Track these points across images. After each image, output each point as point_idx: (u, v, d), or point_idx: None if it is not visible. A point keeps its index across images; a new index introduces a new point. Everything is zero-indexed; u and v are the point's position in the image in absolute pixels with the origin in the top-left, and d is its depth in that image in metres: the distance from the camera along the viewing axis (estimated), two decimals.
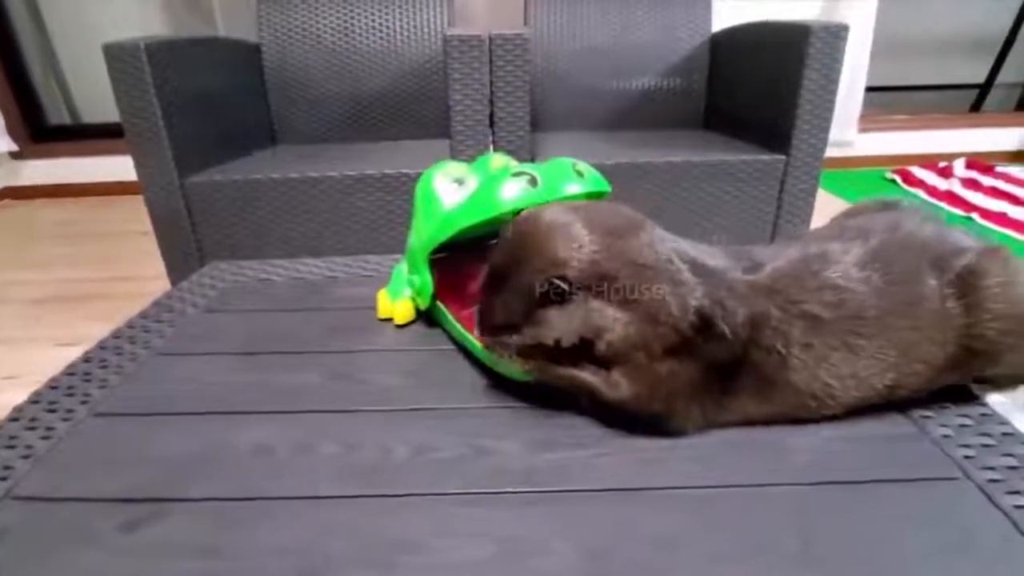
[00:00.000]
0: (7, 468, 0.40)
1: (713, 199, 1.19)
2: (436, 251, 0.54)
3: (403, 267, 0.60)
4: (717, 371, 0.41)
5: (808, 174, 1.18)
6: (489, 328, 0.44)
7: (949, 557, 0.32)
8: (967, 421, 0.43)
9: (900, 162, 2.40)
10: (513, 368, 0.45)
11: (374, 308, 0.60)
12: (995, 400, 0.45)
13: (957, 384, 0.45)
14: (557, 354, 0.43)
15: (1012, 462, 0.39)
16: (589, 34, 1.59)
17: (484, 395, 0.48)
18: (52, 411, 0.47)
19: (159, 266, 1.18)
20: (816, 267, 0.42)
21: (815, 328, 0.40)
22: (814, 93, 1.12)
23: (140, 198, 1.13)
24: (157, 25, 2.30)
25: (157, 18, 2.31)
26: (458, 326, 0.52)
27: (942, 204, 1.98)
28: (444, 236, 0.51)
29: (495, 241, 0.44)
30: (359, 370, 0.51)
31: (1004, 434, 0.41)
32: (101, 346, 0.56)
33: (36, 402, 0.48)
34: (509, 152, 1.16)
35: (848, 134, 2.32)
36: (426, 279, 0.55)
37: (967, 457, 0.39)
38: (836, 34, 1.08)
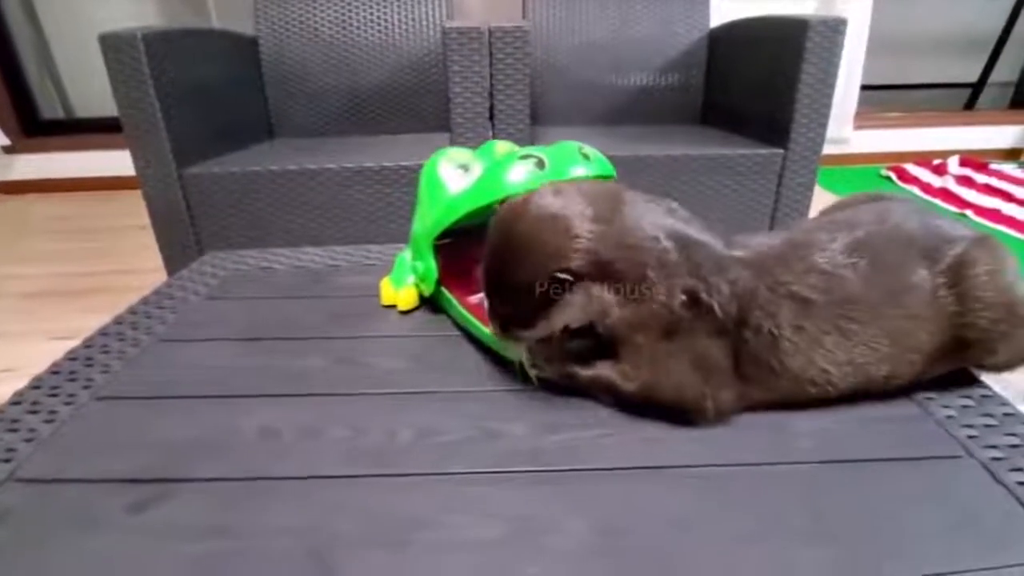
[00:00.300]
0: (10, 451, 0.40)
1: (712, 193, 1.19)
2: (440, 237, 0.54)
3: (406, 255, 0.60)
4: (717, 353, 0.41)
5: (806, 168, 1.18)
6: (501, 329, 0.44)
7: (955, 532, 0.33)
8: (969, 402, 0.43)
9: (895, 159, 2.41)
10: (518, 352, 0.45)
11: (377, 295, 0.60)
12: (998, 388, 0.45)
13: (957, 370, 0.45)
14: (571, 355, 0.44)
15: (1014, 441, 0.39)
16: (587, 29, 1.59)
17: (489, 379, 0.48)
18: (54, 395, 0.46)
19: (155, 260, 1.18)
20: (802, 252, 0.42)
21: (804, 310, 0.41)
22: (812, 87, 1.12)
23: (134, 193, 1.12)
24: (150, 17, 2.28)
25: (151, 10, 2.29)
26: (463, 311, 0.52)
27: (936, 201, 1.99)
28: (450, 219, 0.51)
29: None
30: (363, 355, 0.51)
31: (1005, 414, 0.42)
32: (102, 332, 0.56)
33: (37, 387, 0.48)
34: None
35: (844, 131, 2.34)
36: (430, 265, 0.55)
37: (970, 437, 0.40)
38: (834, 28, 1.09)
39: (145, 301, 0.62)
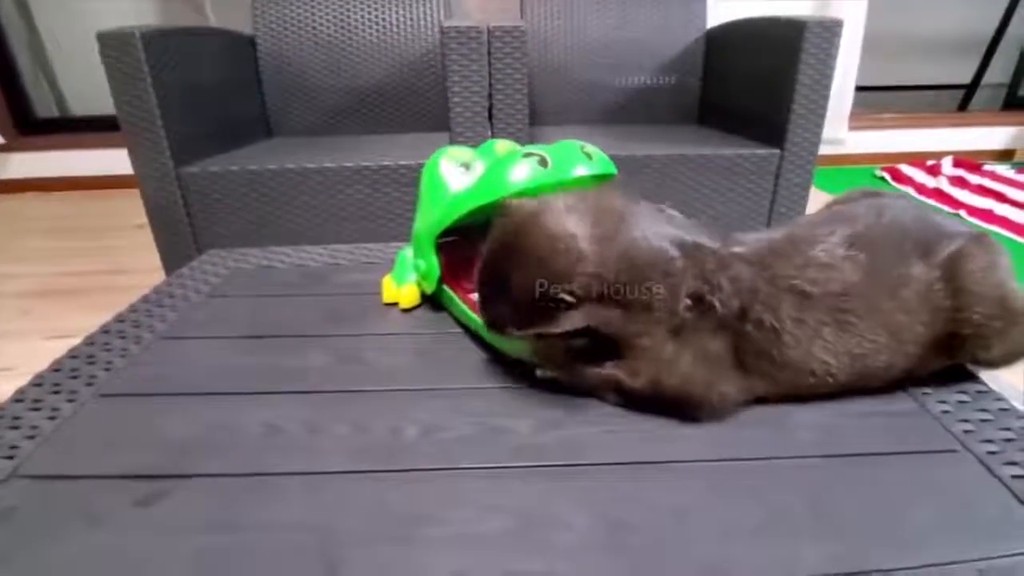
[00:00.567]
0: (12, 448, 0.40)
1: (709, 192, 1.20)
2: (442, 235, 0.54)
3: (407, 252, 0.60)
4: (720, 349, 0.41)
5: (802, 168, 1.19)
6: (490, 325, 0.44)
7: (952, 524, 0.33)
8: (965, 397, 0.44)
9: (890, 160, 2.43)
10: (520, 348, 0.46)
11: (379, 293, 0.60)
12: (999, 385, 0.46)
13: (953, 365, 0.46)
14: (574, 353, 0.44)
15: (1009, 435, 0.40)
16: (585, 29, 1.60)
17: (492, 376, 0.48)
18: (56, 392, 0.46)
19: (152, 260, 1.17)
20: (802, 246, 0.43)
21: (804, 303, 0.41)
22: (808, 88, 1.13)
23: (131, 192, 1.11)
24: (146, 16, 2.27)
25: (146, 8, 2.28)
26: (465, 308, 0.52)
27: (930, 201, 2.01)
28: (452, 217, 0.51)
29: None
30: (366, 352, 0.51)
31: (1001, 409, 0.42)
32: (104, 330, 0.56)
33: (39, 384, 0.48)
34: None
35: (839, 132, 2.35)
36: (432, 263, 0.55)
37: (966, 431, 0.40)
38: (830, 29, 1.10)
39: (147, 299, 0.62)
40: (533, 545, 0.32)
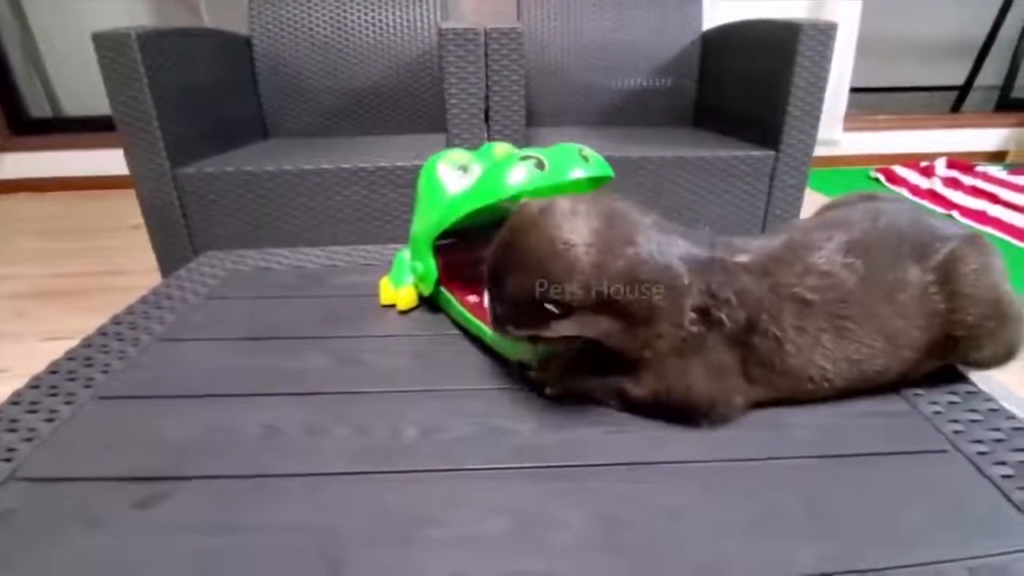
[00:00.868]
0: (10, 450, 0.40)
1: (704, 194, 1.21)
2: (440, 237, 0.54)
3: (405, 254, 0.60)
4: (727, 360, 0.42)
5: (797, 170, 1.20)
6: (494, 322, 0.45)
7: (944, 524, 0.34)
8: (955, 398, 0.45)
9: (884, 161, 2.45)
10: (523, 351, 0.46)
11: (376, 295, 0.61)
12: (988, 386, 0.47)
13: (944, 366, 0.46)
14: (576, 365, 0.45)
15: (999, 435, 0.40)
16: (582, 31, 1.60)
17: (490, 377, 0.48)
18: (53, 395, 0.46)
19: (148, 261, 1.17)
20: (801, 252, 0.43)
21: (804, 312, 0.41)
22: (803, 90, 1.14)
23: (125, 192, 1.11)
24: (141, 16, 2.26)
25: (141, 9, 2.28)
26: (463, 310, 0.53)
27: (924, 202, 2.02)
28: (450, 220, 0.51)
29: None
30: (364, 354, 0.52)
31: (990, 410, 0.43)
32: (101, 332, 0.56)
33: (36, 387, 0.48)
34: None
35: (834, 133, 2.37)
36: (430, 265, 0.55)
37: (956, 432, 0.41)
38: (825, 32, 1.11)
39: (144, 301, 0.62)
40: (532, 545, 0.33)
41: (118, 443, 0.41)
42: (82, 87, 2.30)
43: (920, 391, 0.45)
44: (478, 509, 0.35)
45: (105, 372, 0.49)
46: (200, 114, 1.21)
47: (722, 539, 0.33)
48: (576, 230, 0.40)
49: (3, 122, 2.31)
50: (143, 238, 1.15)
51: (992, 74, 2.72)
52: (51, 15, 2.32)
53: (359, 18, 1.52)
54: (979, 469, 0.37)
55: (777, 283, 0.42)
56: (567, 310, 0.39)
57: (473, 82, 1.12)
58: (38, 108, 2.45)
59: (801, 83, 1.13)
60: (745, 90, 1.36)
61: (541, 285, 0.39)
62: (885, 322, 0.42)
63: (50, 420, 0.43)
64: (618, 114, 1.62)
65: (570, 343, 0.44)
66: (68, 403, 0.45)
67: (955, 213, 1.88)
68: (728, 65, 1.48)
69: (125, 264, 1.61)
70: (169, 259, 1.15)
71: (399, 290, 0.59)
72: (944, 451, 0.39)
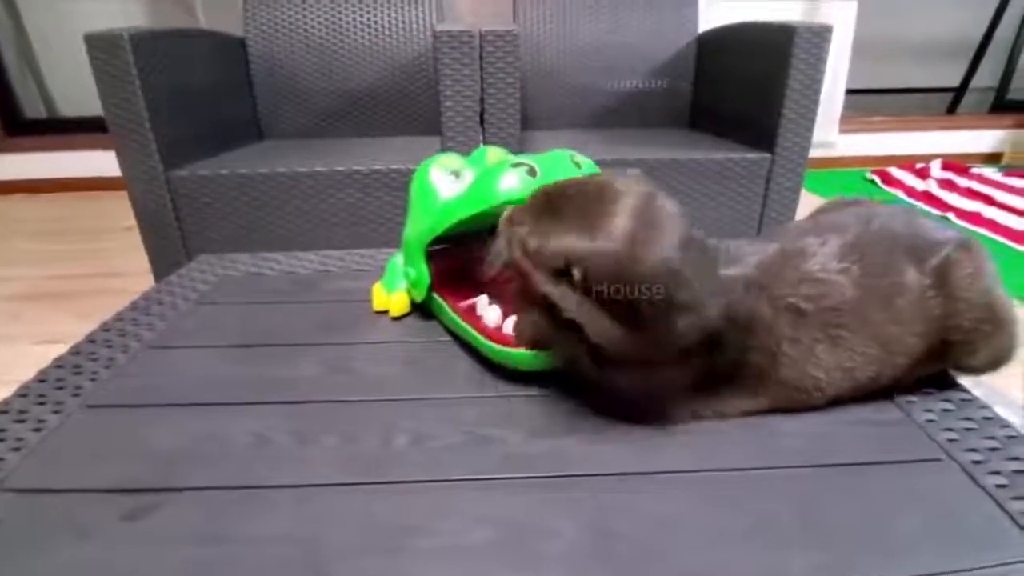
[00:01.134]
0: None
1: (700, 196, 1.21)
2: (432, 243, 0.54)
3: (398, 260, 0.60)
4: (715, 375, 0.42)
5: (793, 172, 1.20)
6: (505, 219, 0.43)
7: (937, 534, 0.33)
8: (949, 406, 0.44)
9: (880, 163, 2.45)
10: (519, 360, 0.46)
11: (369, 301, 0.60)
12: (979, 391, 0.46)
13: (937, 372, 0.46)
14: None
15: (993, 444, 0.40)
16: (578, 33, 1.60)
17: (482, 385, 0.48)
18: (41, 403, 0.46)
19: (143, 263, 1.17)
20: (795, 260, 0.42)
21: (799, 321, 0.41)
22: (799, 92, 1.14)
23: (120, 194, 1.11)
24: (136, 17, 2.25)
25: (136, 9, 2.27)
26: (455, 317, 0.52)
27: (919, 204, 2.03)
28: (442, 227, 0.51)
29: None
30: (355, 361, 0.51)
31: (984, 418, 0.43)
32: (90, 339, 0.55)
33: (24, 395, 0.47)
34: None
35: (830, 135, 2.37)
36: (422, 271, 0.55)
37: (951, 440, 0.41)
38: (820, 35, 1.11)
39: (134, 307, 0.62)
40: (522, 556, 0.32)
41: (106, 453, 0.41)
42: (77, 88, 2.29)
43: (914, 398, 0.45)
44: (467, 519, 0.35)
45: (93, 380, 0.49)
46: (194, 116, 1.20)
47: (714, 549, 0.33)
48: (638, 223, 0.37)
49: None
50: (139, 239, 1.15)
51: (988, 75, 2.73)
52: (46, 15, 2.31)
53: (354, 20, 1.52)
54: (973, 478, 0.37)
55: (773, 294, 0.41)
56: (584, 282, 0.38)
57: (468, 84, 1.12)
58: (33, 109, 2.44)
59: (796, 85, 1.13)
60: (741, 92, 1.36)
61: (552, 247, 0.39)
62: (880, 329, 0.42)
63: (37, 430, 0.43)
64: (614, 116, 1.62)
65: (569, 341, 0.43)
66: (56, 412, 0.45)
67: (951, 215, 1.88)
68: (724, 67, 1.48)
69: (121, 266, 1.61)
70: (162, 262, 1.15)
71: (392, 296, 0.58)
72: (938, 460, 0.39)
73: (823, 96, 1.18)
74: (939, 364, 0.45)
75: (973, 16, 2.63)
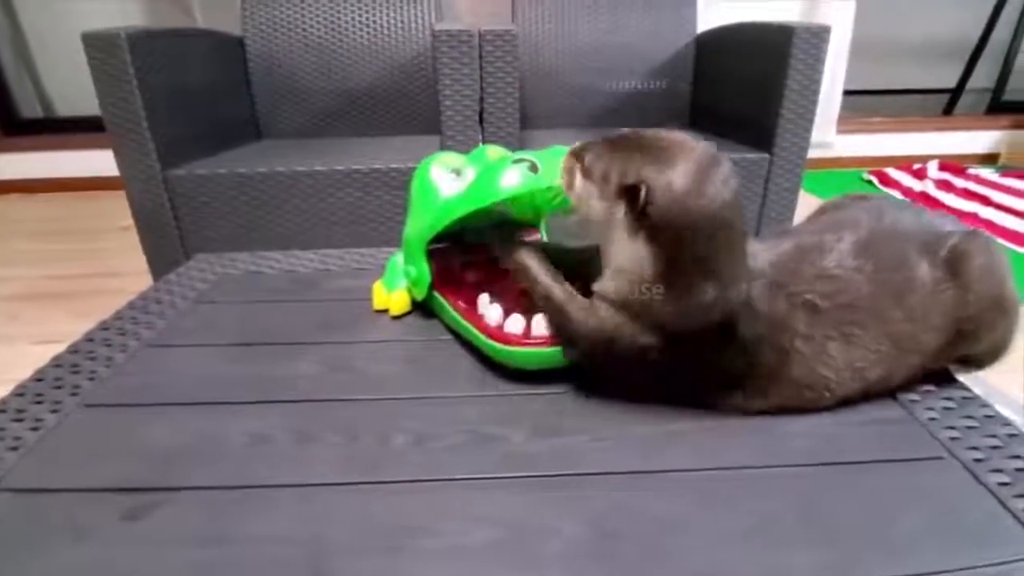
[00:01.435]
0: None
1: None
2: (433, 241, 0.54)
3: (398, 258, 0.60)
4: (726, 370, 0.42)
5: (792, 172, 1.20)
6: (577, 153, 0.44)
7: (940, 532, 0.33)
8: (951, 404, 0.44)
9: (877, 163, 2.46)
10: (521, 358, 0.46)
11: (369, 300, 0.60)
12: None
13: (939, 369, 0.46)
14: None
15: (995, 442, 0.40)
16: (576, 33, 1.60)
17: (483, 384, 0.48)
18: (39, 402, 0.46)
19: (141, 262, 1.16)
20: (813, 256, 0.43)
21: (814, 319, 0.41)
22: (797, 93, 1.14)
23: (118, 193, 1.10)
24: (133, 16, 2.24)
25: (134, 8, 2.26)
26: (456, 315, 0.52)
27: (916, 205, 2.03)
28: (443, 224, 0.51)
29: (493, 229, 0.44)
30: (356, 360, 0.51)
31: (986, 416, 0.43)
32: (88, 338, 0.55)
33: (21, 394, 0.47)
34: None
35: (828, 136, 2.38)
36: (423, 269, 0.55)
37: (953, 438, 0.41)
38: (818, 35, 1.11)
39: (132, 305, 0.61)
40: (522, 556, 0.32)
41: (105, 452, 0.40)
42: (74, 88, 2.28)
43: (916, 397, 0.45)
44: (468, 519, 0.35)
45: (92, 379, 0.48)
46: (192, 115, 1.20)
47: (718, 548, 0.33)
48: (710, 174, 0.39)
49: None
50: (136, 239, 1.14)
51: (984, 77, 2.73)
52: (42, 15, 2.30)
53: (353, 19, 1.52)
54: (975, 476, 0.37)
55: (790, 292, 0.41)
56: (646, 205, 0.38)
57: (467, 84, 1.12)
58: (30, 109, 2.43)
59: (795, 86, 1.13)
60: (739, 92, 1.36)
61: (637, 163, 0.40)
62: (894, 327, 0.42)
63: (35, 429, 0.43)
64: (613, 116, 1.62)
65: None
66: (54, 411, 0.45)
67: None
68: (723, 67, 1.49)
69: (119, 266, 1.60)
70: (160, 262, 1.14)
71: (392, 294, 0.58)
72: (940, 458, 0.39)
73: (821, 97, 1.18)
74: (946, 356, 0.45)
75: (970, 17, 2.63)
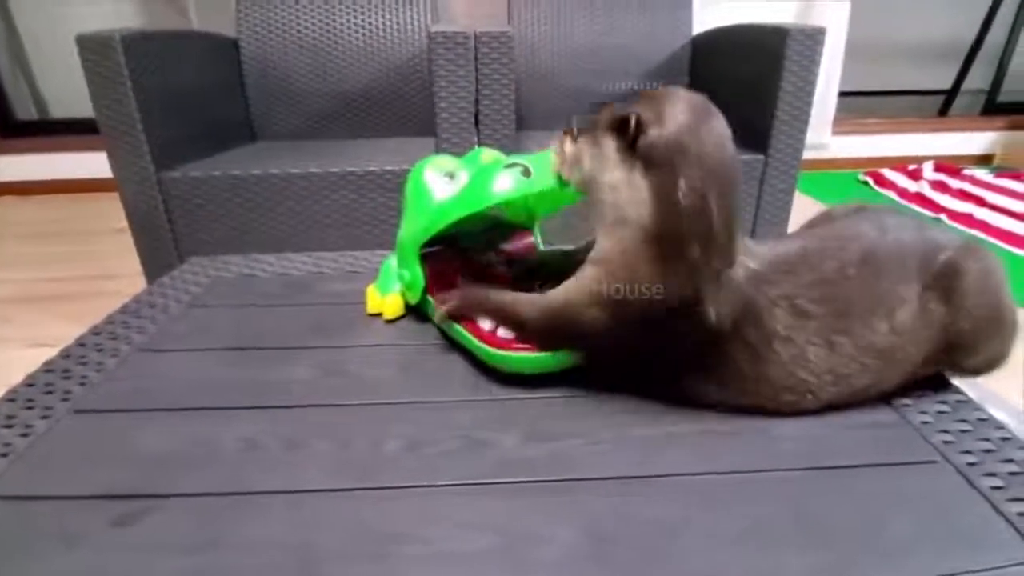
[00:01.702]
0: None
1: None
2: (427, 244, 0.54)
3: (392, 262, 0.60)
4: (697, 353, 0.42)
5: (786, 174, 1.20)
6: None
7: (934, 537, 0.33)
8: (944, 408, 0.44)
9: (872, 164, 2.47)
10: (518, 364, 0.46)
11: (363, 303, 0.60)
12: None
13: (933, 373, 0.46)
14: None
15: (988, 446, 0.40)
16: (572, 35, 1.60)
17: (476, 389, 0.48)
18: (30, 408, 0.45)
19: (134, 265, 1.16)
20: (813, 261, 0.43)
21: (798, 323, 0.41)
22: (792, 95, 1.14)
23: (112, 195, 1.10)
24: (128, 18, 2.24)
25: (129, 11, 2.25)
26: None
27: (912, 206, 2.04)
28: (437, 228, 0.51)
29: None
30: (349, 365, 0.51)
31: (979, 420, 0.43)
32: (80, 343, 0.54)
33: (12, 400, 0.46)
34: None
35: (823, 137, 2.38)
36: (416, 273, 0.54)
37: (946, 442, 0.41)
38: (813, 37, 1.11)
39: (124, 310, 0.61)
40: (516, 562, 0.32)
41: (96, 458, 0.40)
42: (69, 90, 2.27)
43: (909, 401, 0.45)
44: (461, 525, 0.34)
45: (83, 384, 0.48)
46: (186, 117, 1.19)
47: (711, 551, 0.33)
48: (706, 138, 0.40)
49: None
50: (131, 241, 1.14)
51: (979, 78, 2.74)
52: (37, 17, 2.29)
53: (348, 20, 1.51)
54: (969, 480, 0.37)
55: (773, 291, 0.41)
56: (637, 132, 0.39)
57: (463, 86, 1.12)
58: (24, 111, 2.42)
59: (789, 87, 1.14)
60: (735, 94, 1.36)
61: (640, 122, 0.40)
62: (882, 338, 0.42)
63: (25, 435, 0.42)
64: None
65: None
66: (44, 417, 0.44)
67: (943, 216, 1.90)
68: (718, 69, 1.49)
69: (114, 268, 1.59)
70: (154, 264, 1.14)
71: (386, 298, 0.58)
72: (933, 462, 0.39)
73: (816, 98, 1.18)
74: (938, 366, 0.45)
75: (965, 19, 2.65)
